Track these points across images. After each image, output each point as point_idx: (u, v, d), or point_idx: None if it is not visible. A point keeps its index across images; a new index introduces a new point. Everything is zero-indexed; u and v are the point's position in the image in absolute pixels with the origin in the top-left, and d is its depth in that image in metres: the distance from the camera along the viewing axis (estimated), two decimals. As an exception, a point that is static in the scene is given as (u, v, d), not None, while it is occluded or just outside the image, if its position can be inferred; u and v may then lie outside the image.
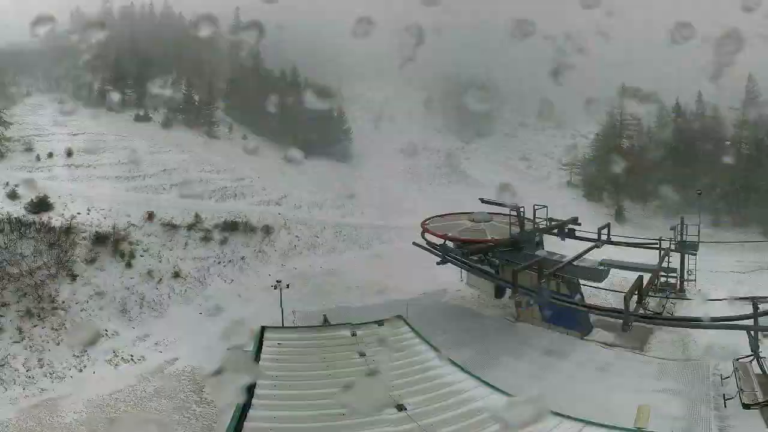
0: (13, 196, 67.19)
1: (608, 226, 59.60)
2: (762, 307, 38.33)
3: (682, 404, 37.74)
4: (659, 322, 44.27)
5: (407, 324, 40.36)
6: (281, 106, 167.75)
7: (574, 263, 49.50)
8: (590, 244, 55.58)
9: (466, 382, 29.72)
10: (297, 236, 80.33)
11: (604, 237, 57.58)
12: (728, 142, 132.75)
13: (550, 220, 58.74)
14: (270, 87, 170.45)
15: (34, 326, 46.48)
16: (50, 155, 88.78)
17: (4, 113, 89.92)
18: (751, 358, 39.25)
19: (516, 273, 43.71)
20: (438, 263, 53.38)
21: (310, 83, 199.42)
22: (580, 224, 59.84)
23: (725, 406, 37.43)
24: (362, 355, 32.89)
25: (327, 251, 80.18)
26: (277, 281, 50.93)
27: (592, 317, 50.43)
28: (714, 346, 47.38)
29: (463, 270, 55.63)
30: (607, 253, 55.03)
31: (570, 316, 49.36)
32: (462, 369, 31.38)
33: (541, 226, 56.90)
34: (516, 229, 53.73)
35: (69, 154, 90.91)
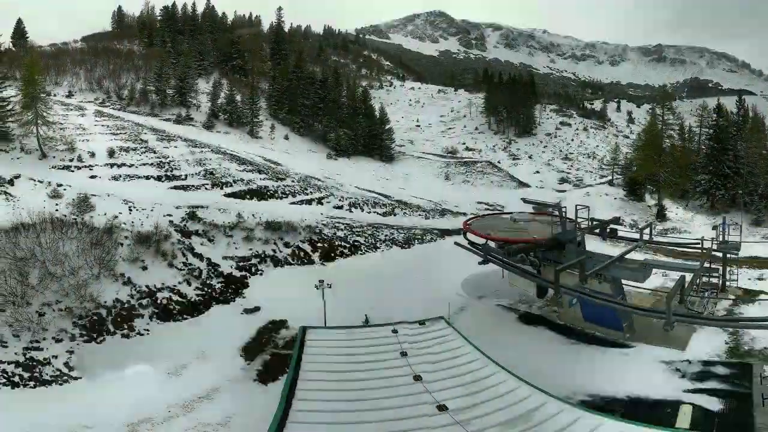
0: (55, 195, 67.86)
1: (650, 226, 59.54)
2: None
3: (723, 405, 37.60)
4: (701, 321, 44.02)
5: (449, 324, 40.36)
6: (323, 106, 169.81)
7: (616, 263, 49.52)
8: (632, 244, 55.68)
9: (508, 383, 29.71)
10: (339, 236, 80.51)
11: (646, 237, 57.61)
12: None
13: (592, 220, 58.80)
14: (312, 87, 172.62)
15: (76, 326, 46.93)
16: (92, 155, 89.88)
17: (48, 113, 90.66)
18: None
19: (558, 272, 43.80)
20: (479, 263, 53.57)
21: (351, 83, 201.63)
22: (622, 224, 59.91)
23: (763, 406, 37.36)
24: (404, 354, 32.84)
25: (368, 250, 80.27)
26: (319, 281, 51.18)
27: (635, 317, 50.50)
28: (758, 345, 47.36)
29: (504, 270, 55.75)
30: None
31: (612, 316, 49.32)
32: (504, 369, 31.42)
33: (582, 226, 56.93)
34: (557, 229, 53.79)
35: (111, 153, 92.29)
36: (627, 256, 50.88)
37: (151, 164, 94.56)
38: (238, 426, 36.43)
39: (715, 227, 65.36)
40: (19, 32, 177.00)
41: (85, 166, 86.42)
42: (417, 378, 29.60)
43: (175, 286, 56.84)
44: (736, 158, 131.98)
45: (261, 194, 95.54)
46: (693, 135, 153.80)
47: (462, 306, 59.39)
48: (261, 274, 66.46)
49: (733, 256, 60.46)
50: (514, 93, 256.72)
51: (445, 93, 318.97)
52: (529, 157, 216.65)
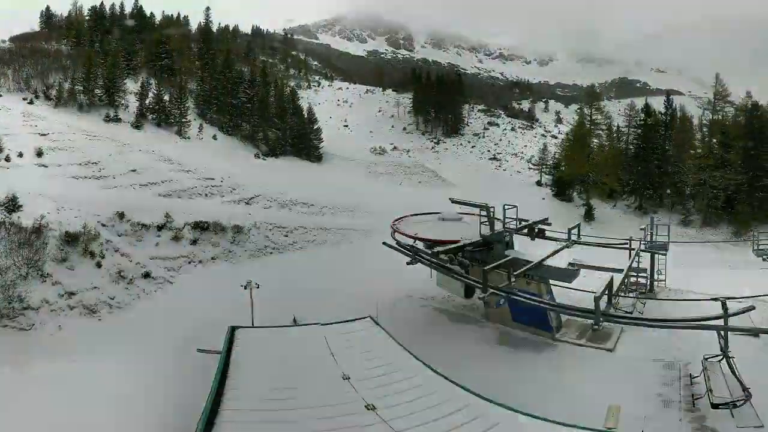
0: (-18, 196, 66.48)
1: (578, 226, 60.26)
2: (731, 307, 39.02)
3: (651, 404, 38.25)
4: (629, 322, 44.67)
5: (377, 324, 40.65)
6: (251, 106, 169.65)
7: (544, 263, 50.09)
8: (561, 244, 56.33)
9: (435, 382, 29.98)
10: (267, 236, 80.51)
11: (574, 237, 58.29)
12: (697, 142, 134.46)
13: (520, 220, 59.30)
14: (240, 87, 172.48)
15: (4, 326, 46.50)
16: (20, 155, 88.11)
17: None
18: (720, 357, 39.89)
19: (486, 273, 44.07)
20: (408, 263, 53.76)
21: (279, 83, 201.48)
22: (550, 224, 60.47)
23: (694, 406, 38.02)
24: (332, 354, 33.12)
25: (297, 251, 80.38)
26: (247, 281, 51.17)
27: (563, 317, 51.10)
28: (684, 345, 48.24)
29: (432, 270, 55.97)
30: (577, 253, 55.79)
31: (540, 316, 49.88)
32: (431, 369, 31.67)
33: (511, 226, 57.37)
34: (486, 229, 54.25)
35: (39, 153, 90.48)
36: (555, 256, 51.55)
37: (80, 164, 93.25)
38: (158, 426, 36.22)
39: (643, 227, 66.39)
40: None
41: (13, 166, 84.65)
42: (345, 377, 29.71)
43: (103, 286, 56.52)
44: (664, 158, 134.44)
45: (189, 194, 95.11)
46: (621, 135, 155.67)
47: (390, 305, 59.64)
48: (189, 274, 66.28)
49: (661, 256, 61.51)
50: (441, 93, 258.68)
51: (373, 93, 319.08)
52: (457, 157, 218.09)
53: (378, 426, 24.78)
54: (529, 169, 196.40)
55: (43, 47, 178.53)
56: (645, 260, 60.89)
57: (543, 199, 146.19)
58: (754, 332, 45.57)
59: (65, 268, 56.55)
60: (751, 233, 76.36)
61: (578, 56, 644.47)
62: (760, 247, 52.25)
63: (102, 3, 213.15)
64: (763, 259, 51.66)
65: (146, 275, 63.22)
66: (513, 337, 51.86)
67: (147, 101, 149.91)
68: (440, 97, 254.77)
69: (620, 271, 49.03)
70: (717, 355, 40.04)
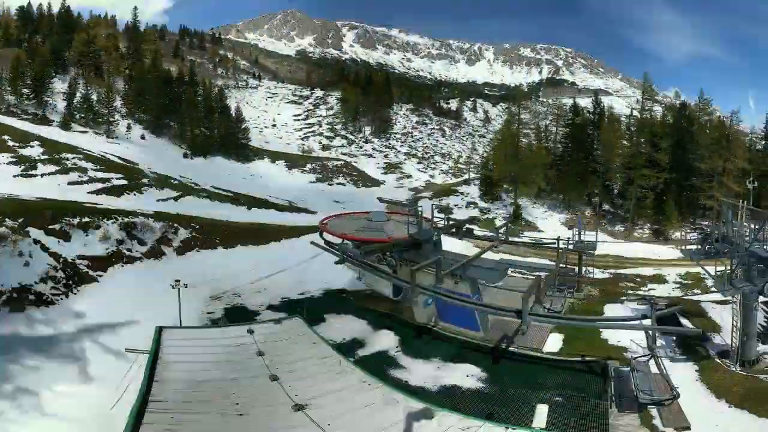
0: None
1: (506, 225, 60.70)
2: (659, 306, 39.58)
3: (579, 403, 38.65)
4: (557, 321, 45.05)
5: (306, 323, 40.54)
6: (179, 105, 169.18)
7: (472, 263, 50.28)
8: (489, 244, 56.65)
9: (364, 382, 29.90)
10: (195, 235, 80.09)
11: (502, 236, 58.67)
12: (625, 142, 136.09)
13: (448, 219, 59.49)
14: (168, 87, 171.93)
15: None
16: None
17: None
18: (648, 357, 40.42)
19: (414, 272, 44.09)
20: (336, 263, 53.72)
21: (207, 83, 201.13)
22: (477, 224, 60.81)
23: (621, 405, 38.45)
24: (260, 354, 32.88)
25: (226, 249, 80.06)
26: (175, 280, 50.77)
27: (491, 317, 51.40)
28: (612, 345, 48.85)
29: (360, 269, 55.99)
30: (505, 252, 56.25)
31: (468, 316, 50.07)
32: (360, 368, 31.63)
33: (439, 226, 57.55)
34: (414, 229, 54.23)
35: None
36: (483, 256, 51.83)
37: (8, 163, 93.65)
38: (84, 426, 35.69)
39: (571, 226, 67.09)
40: None
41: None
42: (274, 378, 29.55)
43: (31, 285, 55.61)
44: (592, 157, 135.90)
45: (118, 193, 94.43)
46: (549, 134, 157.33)
47: (320, 305, 59.69)
48: (117, 273, 65.56)
49: (589, 255, 62.18)
50: (370, 92, 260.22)
51: (302, 92, 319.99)
52: (385, 157, 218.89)
53: (307, 426, 24.63)
54: (457, 168, 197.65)
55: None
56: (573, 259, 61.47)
57: (471, 198, 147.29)
58: (681, 332, 46.35)
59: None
60: (679, 232, 77.64)
61: (506, 55, 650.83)
62: (687, 246, 53.02)
63: (29, 3, 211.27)
64: (690, 258, 52.41)
65: (74, 275, 62.53)
66: (440, 337, 52.09)
67: (75, 101, 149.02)
68: (368, 96, 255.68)
69: (548, 270, 49.43)
70: (645, 355, 40.55)
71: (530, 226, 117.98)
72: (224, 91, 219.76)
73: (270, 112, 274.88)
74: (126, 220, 74.09)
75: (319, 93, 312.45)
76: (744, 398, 38.67)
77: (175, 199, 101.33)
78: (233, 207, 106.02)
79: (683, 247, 52.60)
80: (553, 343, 50.11)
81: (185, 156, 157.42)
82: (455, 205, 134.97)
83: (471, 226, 60.52)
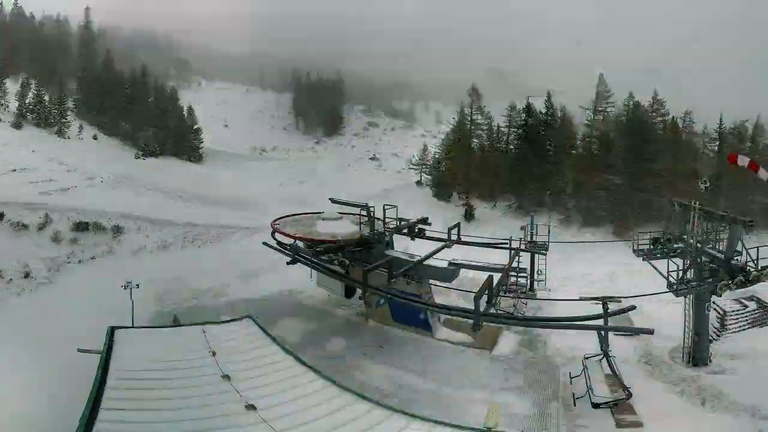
0: None
1: (458, 225, 60.70)
2: (611, 307, 39.82)
3: (531, 403, 38.83)
4: (509, 322, 45.25)
5: (257, 324, 40.48)
6: (131, 106, 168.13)
7: (424, 263, 50.37)
8: (440, 244, 56.65)
9: (316, 382, 29.97)
10: (147, 236, 79.72)
11: (454, 237, 58.69)
12: (579, 142, 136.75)
13: (400, 220, 59.44)
14: (120, 88, 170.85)
15: None
16: None
17: None
18: (600, 357, 40.68)
19: (366, 273, 44.05)
20: (288, 263, 53.59)
21: (158, 84, 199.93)
22: (430, 224, 60.75)
23: (575, 405, 38.72)
24: (212, 354, 32.83)
25: (177, 251, 79.77)
26: (127, 281, 50.46)
27: (443, 317, 51.46)
28: (564, 345, 49.22)
29: (313, 270, 55.84)
30: (457, 253, 56.27)
31: (420, 316, 50.18)
32: (312, 369, 31.67)
33: (391, 226, 57.51)
34: (366, 229, 54.37)
35: None
36: (435, 256, 51.87)
37: None
38: (36, 427, 35.39)
39: (523, 227, 67.28)
40: None
41: None
42: (225, 377, 29.49)
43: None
44: (544, 158, 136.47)
45: (70, 194, 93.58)
46: (502, 135, 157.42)
47: (271, 305, 60.15)
48: (69, 273, 65.21)
49: (541, 255, 62.46)
50: (322, 93, 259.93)
51: (254, 93, 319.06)
52: (337, 157, 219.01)
53: (258, 426, 24.63)
54: (409, 169, 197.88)
55: None
56: (525, 260, 61.66)
57: (423, 198, 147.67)
58: (634, 332, 46.73)
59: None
60: (631, 233, 78.10)
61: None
62: (640, 247, 53.39)
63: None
64: (643, 259, 52.79)
65: (26, 275, 62.27)
66: (392, 337, 52.26)
67: (27, 101, 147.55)
68: (320, 97, 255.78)
69: (500, 270, 49.51)
70: (597, 355, 40.80)
71: (483, 227, 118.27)
72: (176, 91, 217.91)
73: (222, 112, 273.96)
74: (78, 220, 73.89)
75: (271, 94, 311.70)
76: (696, 396, 39.26)
77: (128, 199, 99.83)
78: (186, 207, 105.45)
79: (635, 248, 53.00)
80: (505, 343, 50.41)
81: (137, 156, 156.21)
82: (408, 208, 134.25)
83: (423, 227, 60.49)
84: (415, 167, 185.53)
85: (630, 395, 37.27)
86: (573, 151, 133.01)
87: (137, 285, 51.11)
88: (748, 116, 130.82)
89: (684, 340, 46.02)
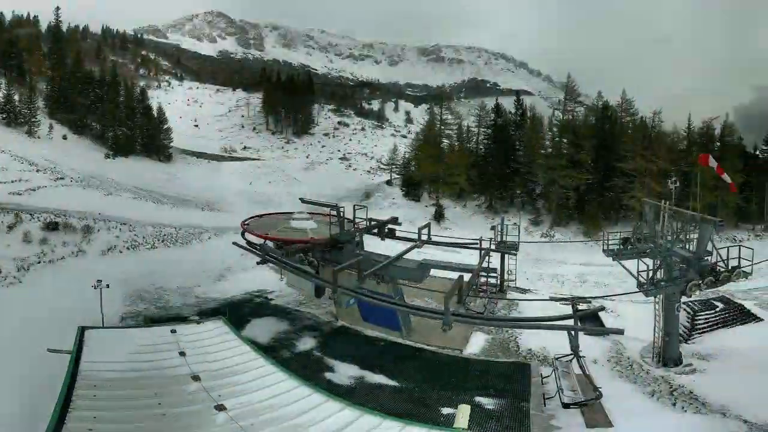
0: None
1: (428, 226, 60.68)
2: (581, 307, 39.86)
3: (501, 404, 38.76)
4: (480, 322, 45.15)
5: (227, 324, 40.34)
6: (101, 105, 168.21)
7: (394, 263, 50.26)
8: (410, 244, 56.58)
9: (286, 382, 29.84)
10: (117, 236, 79.43)
11: (424, 237, 58.63)
12: (547, 142, 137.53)
13: (370, 220, 59.36)
14: (90, 87, 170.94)
15: None
16: None
17: None
18: (571, 357, 40.69)
19: (335, 273, 43.92)
20: (258, 263, 53.39)
21: (129, 83, 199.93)
22: (400, 224, 60.68)
23: (545, 406, 38.65)
24: (182, 354, 32.64)
25: (147, 250, 79.43)
26: (97, 281, 50.18)
27: (413, 318, 51.39)
28: (535, 345, 49.25)
29: (283, 270, 55.70)
30: (427, 253, 56.30)
31: (390, 316, 50.09)
32: (282, 369, 31.55)
33: (361, 226, 57.41)
34: (336, 229, 54.10)
35: None
36: (405, 256, 51.81)
37: None
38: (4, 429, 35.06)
39: (493, 227, 67.40)
40: None
41: None
42: (195, 378, 29.30)
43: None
44: (514, 158, 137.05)
45: (40, 193, 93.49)
46: (471, 135, 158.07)
47: (241, 306, 59.74)
48: (39, 273, 64.75)
49: (511, 256, 62.52)
50: (291, 93, 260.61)
51: (224, 93, 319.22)
52: (307, 157, 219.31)
53: (228, 426, 24.50)
54: (379, 168, 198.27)
55: None
56: (495, 260, 61.67)
57: (393, 198, 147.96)
58: (604, 332, 46.85)
59: None
60: (601, 233, 78.37)
61: (428, 56, 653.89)
62: (610, 247, 53.46)
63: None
64: (613, 259, 52.87)
65: (-7, 276, 62.10)
66: (361, 337, 52.34)
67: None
68: (290, 97, 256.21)
69: (470, 271, 49.48)
70: (567, 355, 40.78)
71: (453, 227, 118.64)
72: (146, 91, 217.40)
73: (192, 113, 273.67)
74: (48, 219, 73.65)
75: (241, 94, 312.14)
76: (666, 397, 39.30)
77: (98, 199, 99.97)
78: (156, 207, 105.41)
79: (605, 248, 53.06)
80: (476, 343, 50.38)
81: (107, 156, 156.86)
82: (379, 208, 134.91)
83: (393, 227, 60.41)
84: (385, 167, 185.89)
85: (600, 395, 37.19)
86: (543, 151, 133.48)
87: (107, 285, 50.57)
88: (717, 114, 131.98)
89: (654, 340, 46.13)
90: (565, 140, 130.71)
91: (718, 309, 56.06)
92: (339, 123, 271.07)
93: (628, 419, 36.30)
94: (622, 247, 51.34)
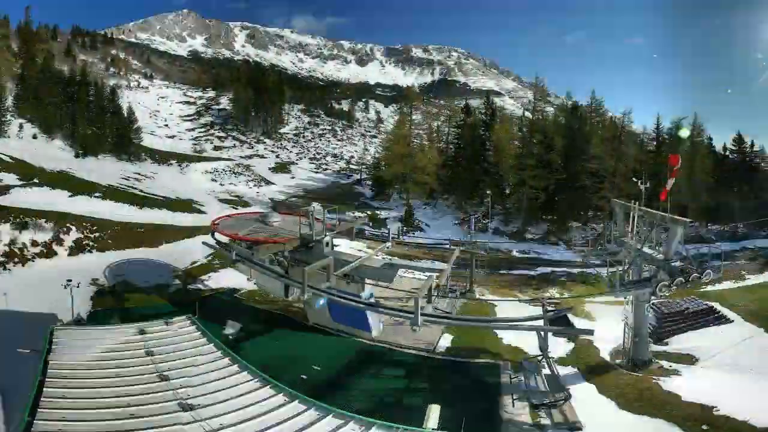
0: None
1: (399, 226, 60.76)
2: (550, 307, 39.96)
3: (470, 404, 38.70)
4: (449, 322, 45.11)
5: (195, 323, 40.20)
6: (72, 105, 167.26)
7: (364, 263, 50.22)
8: (382, 245, 56.59)
9: (252, 382, 29.83)
10: (87, 235, 78.97)
11: (394, 237, 58.70)
12: (517, 142, 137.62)
13: (340, 220, 59.30)
14: (61, 87, 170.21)
15: None
16: None
17: None
18: (540, 358, 40.75)
19: (305, 273, 43.85)
20: (227, 263, 53.27)
21: (99, 83, 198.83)
22: (370, 224, 60.73)
23: (513, 406, 38.67)
24: (150, 354, 32.51)
25: (117, 249, 78.96)
26: (67, 280, 49.89)
27: (383, 318, 51.38)
28: (506, 346, 49.31)
29: (252, 270, 55.55)
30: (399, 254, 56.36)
31: (360, 316, 50.01)
32: (249, 368, 31.52)
33: (330, 227, 57.35)
34: (306, 230, 53.95)
35: None
36: (374, 257, 51.82)
37: None
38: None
39: (462, 226, 67.63)
40: None
41: None
42: (163, 377, 29.17)
43: None
44: (483, 158, 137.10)
45: (9, 192, 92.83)
46: (441, 135, 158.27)
47: (210, 305, 59.22)
48: (9, 273, 64.33)
49: (480, 255, 62.63)
50: (261, 93, 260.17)
51: (194, 93, 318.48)
52: (277, 157, 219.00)
53: (195, 425, 24.43)
54: (349, 169, 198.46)
55: None
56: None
57: (362, 199, 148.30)
58: (573, 333, 46.97)
59: None
60: (570, 232, 78.79)
61: (397, 56, 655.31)
62: (580, 248, 53.67)
63: None
64: (582, 260, 53.11)
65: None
66: (331, 337, 52.26)
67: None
68: (260, 97, 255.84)
69: (440, 271, 49.47)
70: (537, 356, 40.84)
71: (423, 227, 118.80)
72: (116, 91, 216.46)
73: (162, 113, 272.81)
74: (17, 219, 73.04)
75: (211, 93, 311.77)
76: (636, 399, 39.41)
77: (68, 198, 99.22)
78: (126, 207, 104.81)
79: (575, 249, 53.28)
80: (445, 343, 50.41)
81: (77, 156, 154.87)
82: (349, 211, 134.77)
83: (362, 227, 60.44)
84: (355, 168, 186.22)
85: (569, 396, 37.38)
86: (512, 152, 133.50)
87: (77, 284, 50.59)
88: (685, 115, 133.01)
89: (624, 341, 46.29)
90: (534, 140, 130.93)
91: (688, 310, 56.24)
92: (309, 123, 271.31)
93: (597, 419, 36.44)
94: (591, 248, 51.56)
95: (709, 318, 55.49)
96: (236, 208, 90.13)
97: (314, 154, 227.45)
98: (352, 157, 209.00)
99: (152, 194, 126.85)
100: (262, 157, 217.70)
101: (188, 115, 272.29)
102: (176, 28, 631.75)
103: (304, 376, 41.80)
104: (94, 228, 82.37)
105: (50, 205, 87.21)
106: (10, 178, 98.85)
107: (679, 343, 50.93)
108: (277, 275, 48.41)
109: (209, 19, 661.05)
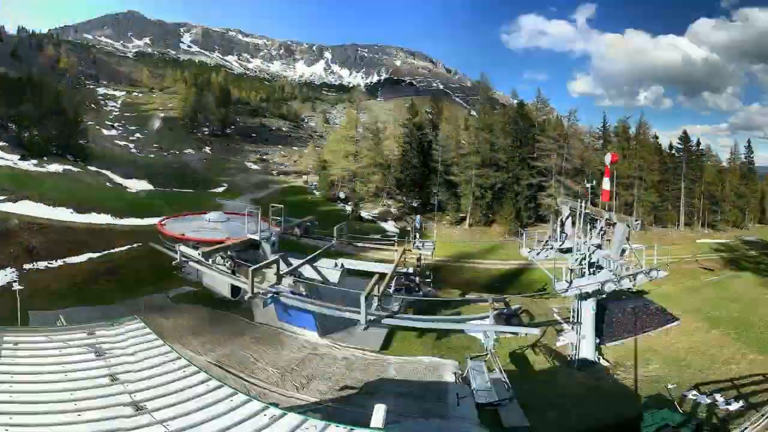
0: None
1: (345, 225, 60.64)
2: (498, 306, 40.07)
3: (416, 403, 38.69)
4: (396, 321, 45.10)
5: (143, 323, 39.91)
6: (17, 107, 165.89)
7: (311, 263, 50.17)
8: (328, 244, 56.56)
9: (207, 383, 29.51)
10: (34, 238, 78.40)
11: (341, 237, 58.64)
12: (463, 141, 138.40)
13: (287, 219, 59.18)
14: (6, 89, 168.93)
15: None
16: None
17: None
18: (486, 356, 40.80)
19: (252, 273, 43.66)
20: (174, 264, 52.99)
21: (45, 83, 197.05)
22: (317, 224, 60.56)
23: (458, 405, 38.67)
24: (99, 355, 32.12)
25: (64, 253, 78.30)
26: (12, 282, 49.48)
27: (330, 317, 51.42)
28: (455, 345, 49.38)
29: (199, 270, 55.27)
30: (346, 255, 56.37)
31: (307, 316, 49.93)
32: (202, 369, 31.21)
33: (277, 227, 57.20)
34: (252, 229, 53.72)
35: None
36: (322, 257, 51.88)
37: None
38: None
39: (410, 224, 67.76)
40: None
41: None
42: (113, 378, 28.85)
43: None
44: (430, 157, 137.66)
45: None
46: (388, 134, 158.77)
47: (158, 305, 59.43)
48: None
49: (428, 255, 62.62)
50: (208, 93, 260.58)
51: (141, 94, 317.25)
52: (229, 161, 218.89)
53: (149, 427, 24.10)
54: (297, 170, 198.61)
55: None
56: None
57: (309, 198, 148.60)
58: (520, 332, 47.19)
59: None
60: (518, 231, 79.03)
61: (345, 57, 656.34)
62: (528, 247, 53.73)
63: None
64: (530, 259, 53.23)
65: None
66: (276, 337, 52.01)
67: None
68: (206, 96, 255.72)
69: (387, 270, 49.48)
70: (483, 355, 40.92)
71: (371, 227, 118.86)
72: (62, 92, 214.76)
73: (110, 114, 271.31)
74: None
75: (159, 94, 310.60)
76: (582, 398, 39.64)
77: (12, 201, 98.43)
78: (72, 210, 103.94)
79: (523, 247, 53.33)
80: (392, 342, 50.43)
81: (23, 158, 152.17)
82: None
83: (310, 225, 60.32)
84: (303, 169, 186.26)
85: (514, 396, 37.46)
86: (459, 151, 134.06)
87: (22, 286, 50.26)
88: (630, 114, 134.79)
89: (570, 340, 46.53)
90: (480, 139, 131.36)
91: (635, 309, 56.62)
92: (260, 124, 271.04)
93: (541, 419, 36.54)
94: (539, 246, 51.68)
95: (656, 317, 56.00)
96: (183, 209, 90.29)
97: (262, 156, 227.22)
98: (300, 156, 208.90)
99: (100, 196, 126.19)
100: (210, 159, 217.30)
101: (138, 117, 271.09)
102: (122, 29, 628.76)
103: (248, 379, 41.70)
104: (38, 232, 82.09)
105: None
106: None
107: (627, 342, 51.35)
108: (225, 275, 48.24)
109: (155, 19, 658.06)
